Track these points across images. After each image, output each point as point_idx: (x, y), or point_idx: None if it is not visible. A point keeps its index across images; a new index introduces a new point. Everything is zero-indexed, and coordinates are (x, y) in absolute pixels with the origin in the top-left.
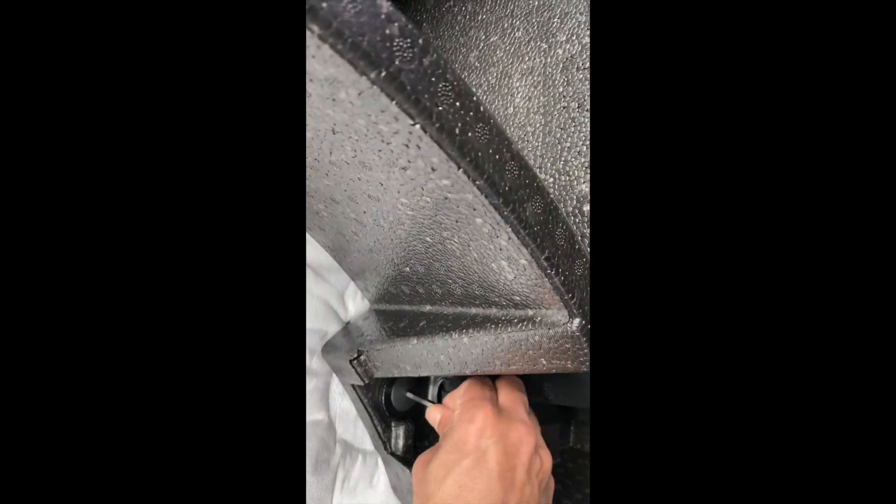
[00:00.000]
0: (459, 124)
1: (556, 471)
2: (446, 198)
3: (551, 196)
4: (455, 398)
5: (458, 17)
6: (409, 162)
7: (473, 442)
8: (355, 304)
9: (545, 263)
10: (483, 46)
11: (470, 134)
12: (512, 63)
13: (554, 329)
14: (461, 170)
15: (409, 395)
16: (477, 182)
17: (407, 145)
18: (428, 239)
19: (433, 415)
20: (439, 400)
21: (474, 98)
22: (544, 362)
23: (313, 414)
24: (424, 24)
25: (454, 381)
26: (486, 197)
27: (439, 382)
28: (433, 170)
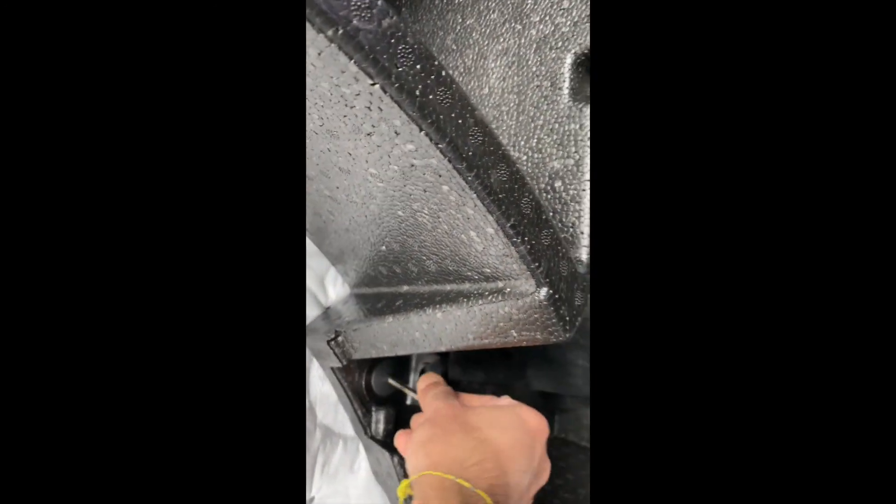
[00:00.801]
0: (420, 86)
1: None
2: (412, 164)
3: (517, 165)
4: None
5: (436, 1)
6: (374, 126)
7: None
8: (335, 289)
9: (511, 231)
10: (459, 29)
11: (431, 96)
12: (487, 44)
13: (522, 299)
14: (423, 132)
15: (391, 381)
16: (439, 145)
17: (369, 108)
18: (400, 213)
19: (400, 441)
20: None
21: (436, 62)
22: (515, 334)
23: None
24: (403, 10)
25: (435, 367)
26: (449, 161)
27: (420, 368)
28: (396, 133)
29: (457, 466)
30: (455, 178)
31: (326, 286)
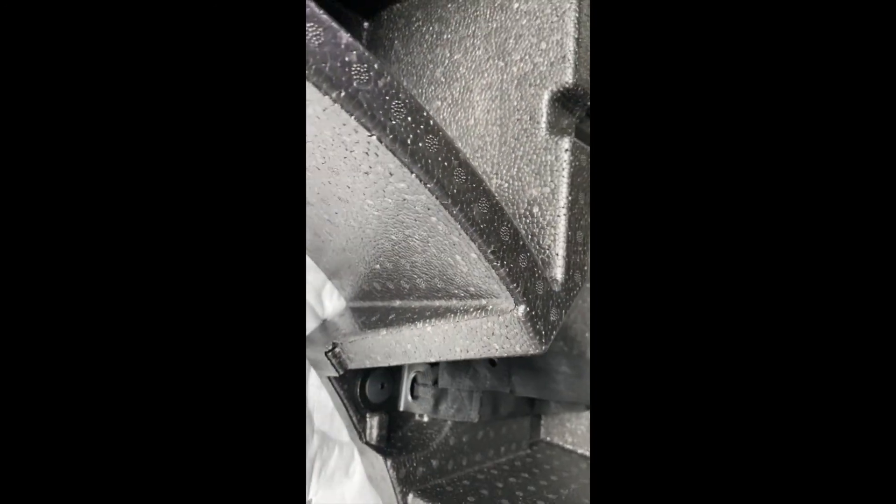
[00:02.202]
0: (411, 136)
1: (525, 460)
2: (404, 199)
3: (497, 199)
4: None
5: (426, 37)
6: (371, 167)
7: None
8: (332, 303)
9: (491, 256)
10: (448, 63)
11: (420, 144)
12: (473, 79)
13: (503, 316)
14: (414, 174)
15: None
16: (428, 185)
17: (367, 153)
18: (393, 237)
19: None
20: (412, 392)
21: (424, 113)
22: (496, 346)
23: None
24: (396, 42)
25: (426, 374)
26: (436, 198)
27: (412, 375)
28: (391, 174)
29: None
30: (442, 212)
31: (323, 299)
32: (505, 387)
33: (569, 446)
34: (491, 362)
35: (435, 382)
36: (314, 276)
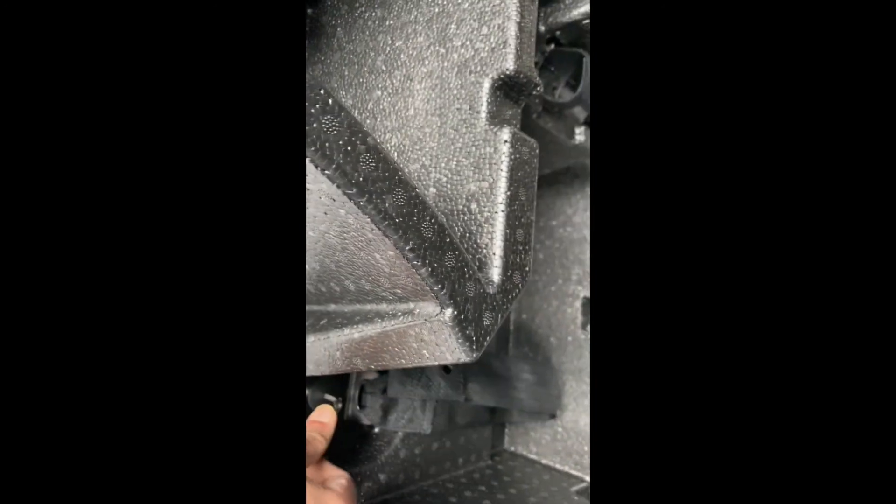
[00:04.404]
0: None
1: (485, 471)
2: (308, 188)
3: (417, 191)
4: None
5: (369, 23)
6: None
7: None
8: None
9: (410, 254)
10: (389, 51)
11: (315, 125)
12: (414, 66)
13: (430, 321)
14: (308, 159)
15: (328, 396)
16: (326, 171)
17: None
18: (311, 233)
19: (325, 414)
20: (360, 400)
21: (321, 91)
22: (427, 354)
23: None
24: (339, 29)
25: (375, 382)
26: (338, 187)
27: (360, 385)
28: None
29: None
30: (348, 204)
31: None
32: (460, 395)
33: (532, 456)
34: (445, 369)
35: (384, 391)
36: None
